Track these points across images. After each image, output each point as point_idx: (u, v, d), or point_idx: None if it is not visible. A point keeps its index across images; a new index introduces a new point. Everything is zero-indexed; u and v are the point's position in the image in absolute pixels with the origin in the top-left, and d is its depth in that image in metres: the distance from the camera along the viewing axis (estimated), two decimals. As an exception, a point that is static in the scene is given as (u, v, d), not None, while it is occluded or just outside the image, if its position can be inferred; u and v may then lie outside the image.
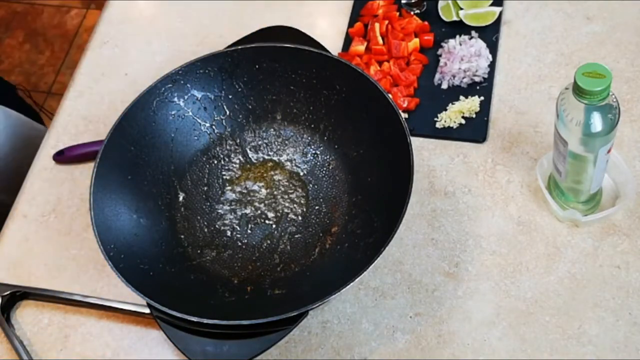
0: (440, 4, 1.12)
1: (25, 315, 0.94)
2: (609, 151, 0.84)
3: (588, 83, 0.77)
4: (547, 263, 0.91)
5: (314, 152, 1.01)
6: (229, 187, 1.00)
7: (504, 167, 0.99)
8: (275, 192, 0.98)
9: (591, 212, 0.93)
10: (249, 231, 0.96)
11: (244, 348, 0.82)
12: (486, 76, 1.05)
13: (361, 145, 0.97)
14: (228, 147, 1.02)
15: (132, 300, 0.90)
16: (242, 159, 1.02)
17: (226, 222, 0.97)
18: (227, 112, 1.02)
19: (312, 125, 1.01)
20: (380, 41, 1.09)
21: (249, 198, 0.99)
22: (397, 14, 1.11)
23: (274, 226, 0.96)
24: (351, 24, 1.13)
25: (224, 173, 1.01)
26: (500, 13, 1.11)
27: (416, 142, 0.98)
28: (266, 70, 1.00)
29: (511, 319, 0.88)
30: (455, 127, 1.02)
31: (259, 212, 0.97)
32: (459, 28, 1.10)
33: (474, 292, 0.90)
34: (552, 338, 0.86)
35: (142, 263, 0.89)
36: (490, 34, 1.09)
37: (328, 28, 1.18)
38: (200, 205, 0.98)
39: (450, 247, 0.93)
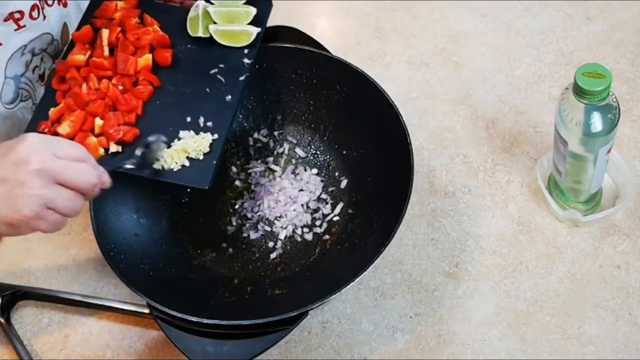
0: (190, 14, 0.92)
1: (25, 315, 0.94)
2: (609, 151, 0.84)
3: (588, 83, 0.77)
4: (547, 263, 0.91)
5: (314, 152, 1.01)
6: (229, 187, 1.00)
7: (504, 167, 0.99)
8: (275, 192, 0.98)
9: (591, 212, 0.93)
10: (249, 231, 0.96)
11: (244, 348, 0.82)
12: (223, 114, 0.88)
13: (361, 145, 0.97)
14: (228, 147, 1.02)
15: (132, 300, 0.90)
16: (242, 158, 1.02)
17: (226, 222, 0.97)
18: (227, 112, 1.02)
19: (312, 125, 1.01)
20: (107, 52, 0.91)
21: (249, 198, 0.99)
22: (137, 20, 0.92)
23: (274, 226, 0.96)
24: (80, 25, 0.93)
25: (224, 173, 1.01)
26: (259, 35, 0.92)
27: (416, 142, 0.98)
28: (266, 70, 1.00)
29: (511, 319, 0.88)
30: (175, 169, 0.85)
31: (259, 212, 0.97)
32: (207, 46, 0.91)
33: (474, 292, 0.90)
34: (552, 338, 0.86)
35: (142, 263, 0.89)
36: (239, 58, 0.91)
37: (328, 28, 1.18)
38: (201, 205, 0.98)
39: (450, 247, 0.93)
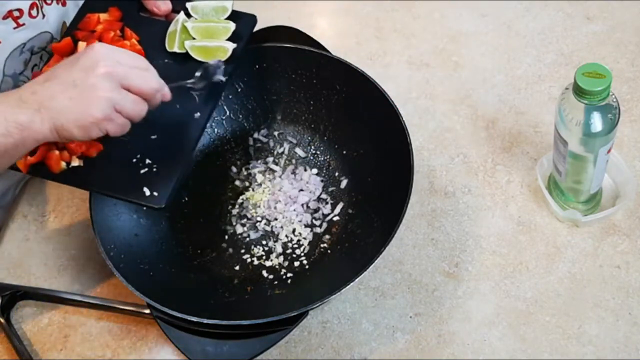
0: (170, 28, 0.91)
1: (25, 315, 0.94)
2: (609, 151, 0.84)
3: (588, 83, 0.77)
4: (547, 263, 0.91)
5: (314, 152, 1.01)
6: (229, 187, 1.00)
7: (504, 167, 0.99)
8: (275, 192, 0.98)
9: (591, 212, 0.93)
10: (249, 231, 0.96)
11: (244, 348, 0.82)
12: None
13: (361, 145, 0.97)
14: (228, 147, 1.02)
15: (132, 300, 0.90)
16: (242, 158, 1.02)
17: (226, 222, 0.97)
18: (227, 112, 1.02)
19: (312, 125, 1.01)
20: None
21: (248, 198, 0.99)
22: (118, 33, 0.91)
23: (274, 226, 0.96)
24: (62, 37, 0.93)
25: (224, 173, 1.01)
26: (235, 51, 0.89)
27: (416, 142, 0.98)
28: (266, 70, 1.00)
29: (511, 319, 0.88)
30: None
31: (259, 212, 0.97)
32: (184, 62, 0.90)
33: (474, 292, 0.90)
34: (552, 338, 0.86)
35: (142, 263, 0.89)
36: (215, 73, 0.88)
37: (328, 28, 1.18)
38: (201, 205, 0.98)
39: (450, 247, 0.93)
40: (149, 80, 0.79)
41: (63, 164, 0.85)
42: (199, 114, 0.87)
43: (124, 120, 0.78)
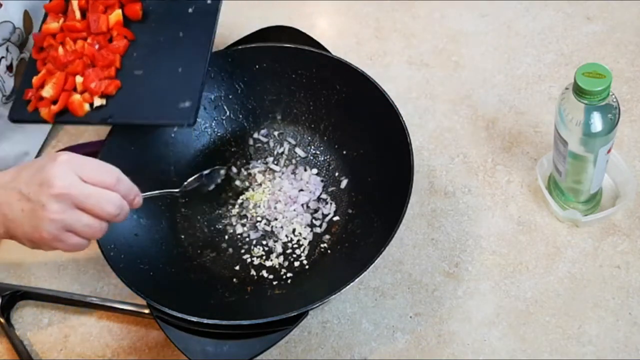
0: None
1: (25, 315, 0.94)
2: (609, 151, 0.84)
3: (588, 83, 0.77)
4: (547, 263, 0.91)
5: (314, 152, 1.01)
6: (229, 187, 1.00)
7: (504, 167, 0.99)
8: (275, 192, 0.98)
9: (591, 212, 0.93)
10: (249, 231, 0.96)
11: (244, 348, 0.82)
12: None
13: (361, 145, 0.97)
14: (228, 147, 1.02)
15: (132, 300, 0.90)
16: (242, 158, 1.02)
17: (226, 222, 0.97)
18: (227, 112, 1.02)
19: (312, 125, 1.01)
20: (79, 16, 0.93)
21: (248, 198, 0.99)
22: None
23: (274, 226, 0.96)
24: None
25: (224, 173, 1.01)
26: None
27: (416, 142, 0.98)
28: (266, 70, 1.00)
29: (511, 319, 0.88)
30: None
31: (259, 212, 0.97)
32: None
33: (474, 292, 0.90)
34: (552, 338, 0.86)
35: (142, 263, 0.89)
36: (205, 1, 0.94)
37: (328, 28, 1.18)
38: (201, 205, 0.98)
39: (450, 247, 0.93)
40: (108, 203, 0.74)
41: (86, 106, 0.88)
42: (203, 37, 0.92)
43: (77, 240, 0.74)
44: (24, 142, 1.04)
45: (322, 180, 0.99)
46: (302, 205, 0.97)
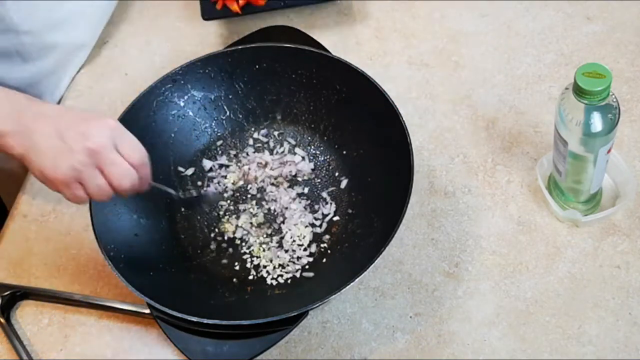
0: None
1: (25, 315, 0.94)
2: (609, 151, 0.84)
3: (588, 83, 0.77)
4: (547, 263, 0.91)
5: (314, 152, 1.01)
6: (229, 187, 1.00)
7: (504, 167, 0.99)
8: (275, 192, 0.98)
9: (591, 212, 0.93)
10: (249, 231, 0.96)
11: (244, 348, 0.82)
12: None
13: (361, 145, 0.97)
14: (228, 147, 1.02)
15: (132, 300, 0.90)
16: (242, 159, 1.02)
17: (226, 222, 0.97)
18: (227, 112, 1.02)
19: (312, 125, 1.01)
20: None
21: (249, 198, 0.99)
22: None
23: (274, 226, 0.96)
24: None
25: (224, 173, 1.01)
26: None
27: (416, 142, 0.98)
28: (266, 70, 1.00)
29: (511, 319, 0.88)
30: None
31: (259, 212, 0.97)
32: None
33: (474, 292, 0.90)
34: (552, 338, 0.86)
35: (142, 263, 0.89)
36: None
37: (328, 28, 1.18)
38: (201, 205, 0.98)
39: (450, 247, 0.93)
40: (126, 177, 0.79)
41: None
42: None
43: (82, 194, 0.79)
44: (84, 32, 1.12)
45: (312, 169, 0.99)
46: (302, 205, 0.97)
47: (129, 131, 0.94)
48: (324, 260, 0.92)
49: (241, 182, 1.00)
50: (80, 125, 0.78)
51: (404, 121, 0.90)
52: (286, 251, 0.94)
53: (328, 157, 1.00)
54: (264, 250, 0.94)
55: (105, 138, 0.78)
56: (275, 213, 0.97)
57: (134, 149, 0.81)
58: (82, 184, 0.78)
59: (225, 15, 1.09)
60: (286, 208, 0.97)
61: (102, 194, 0.80)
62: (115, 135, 0.79)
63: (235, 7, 1.07)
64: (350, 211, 0.95)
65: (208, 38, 1.16)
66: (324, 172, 0.99)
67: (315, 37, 1.02)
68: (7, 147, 0.78)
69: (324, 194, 0.98)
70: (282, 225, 0.96)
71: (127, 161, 0.79)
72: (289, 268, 0.92)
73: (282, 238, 0.95)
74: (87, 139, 0.77)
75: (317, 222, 0.96)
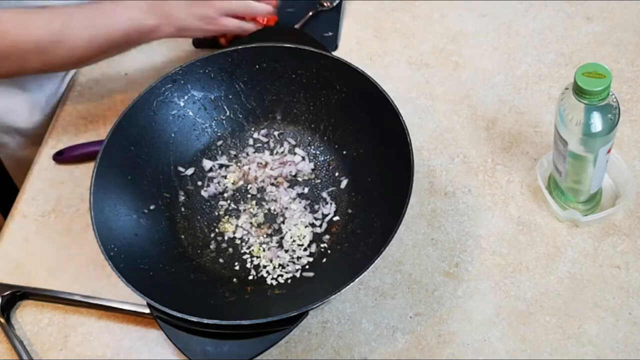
0: None
1: (25, 315, 0.94)
2: (609, 151, 0.84)
3: (588, 83, 0.77)
4: (547, 263, 0.91)
5: (314, 152, 1.01)
6: (229, 187, 1.00)
7: (504, 167, 0.99)
8: (275, 192, 0.98)
9: (591, 212, 0.93)
10: (249, 231, 0.96)
11: (244, 348, 0.82)
12: None
13: (361, 145, 0.97)
14: (228, 147, 1.02)
15: (132, 300, 0.90)
16: (242, 159, 1.02)
17: (226, 222, 0.97)
18: (227, 112, 1.02)
19: (312, 125, 1.01)
20: None
21: (249, 198, 0.99)
22: None
23: (274, 226, 0.96)
24: None
25: (224, 173, 1.01)
26: None
27: (416, 142, 0.98)
28: (266, 70, 1.00)
29: (511, 319, 0.88)
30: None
31: (259, 212, 0.97)
32: None
33: (474, 292, 0.90)
34: (552, 338, 0.86)
35: (142, 263, 0.89)
36: None
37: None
38: (200, 205, 0.98)
39: (450, 247, 0.93)
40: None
41: None
42: None
43: (237, 22, 1.05)
44: None
45: (312, 169, 0.99)
46: (302, 205, 0.97)
47: (130, 134, 0.96)
48: (324, 260, 0.92)
49: (241, 182, 1.00)
50: None
51: (404, 121, 0.90)
52: (286, 251, 0.94)
53: (328, 157, 1.00)
54: (264, 250, 0.94)
55: None
56: (275, 213, 0.97)
57: None
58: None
59: (214, 46, 1.12)
60: (286, 208, 0.97)
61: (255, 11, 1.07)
62: None
63: (222, 41, 1.13)
64: (350, 211, 0.95)
65: (208, 38, 1.16)
66: (324, 172, 0.99)
67: (315, 37, 1.02)
68: (162, 35, 1.01)
69: (324, 194, 0.98)
70: (282, 225, 0.96)
71: None
72: (289, 268, 0.92)
73: (282, 238, 0.95)
74: None
75: (317, 222, 0.96)
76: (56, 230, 1.01)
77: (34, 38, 0.94)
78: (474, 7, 1.15)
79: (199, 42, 1.17)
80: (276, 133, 1.03)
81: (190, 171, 1.00)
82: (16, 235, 1.01)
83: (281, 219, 0.96)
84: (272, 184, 0.99)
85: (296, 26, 1.15)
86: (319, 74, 0.99)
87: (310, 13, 1.15)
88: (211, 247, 0.95)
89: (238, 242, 0.96)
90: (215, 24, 1.03)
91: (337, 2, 1.16)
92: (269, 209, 0.97)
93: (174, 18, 1.00)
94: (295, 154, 1.00)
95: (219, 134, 1.02)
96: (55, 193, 1.04)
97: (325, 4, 1.15)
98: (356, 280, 0.81)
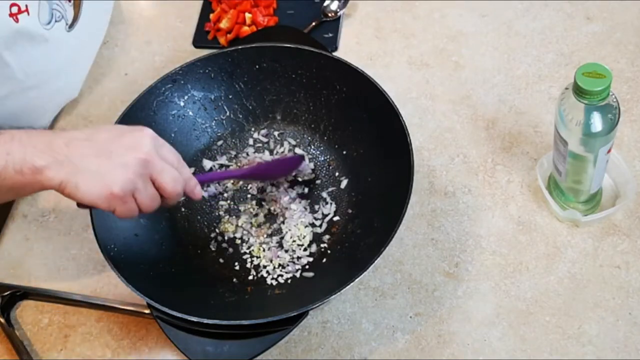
0: None
1: (25, 315, 0.94)
2: (609, 151, 0.84)
3: (588, 83, 0.77)
4: (547, 263, 0.91)
5: (314, 152, 1.01)
6: (229, 187, 1.00)
7: (504, 167, 0.99)
8: (275, 192, 0.98)
9: (591, 212, 0.93)
10: (249, 231, 0.96)
11: (244, 348, 0.82)
12: None
13: (361, 145, 0.97)
14: (228, 147, 1.02)
15: (132, 300, 0.90)
16: (242, 159, 1.02)
17: (226, 222, 0.97)
18: (227, 112, 1.02)
19: (312, 125, 1.01)
20: None
21: (249, 198, 0.99)
22: None
23: (274, 226, 0.96)
24: None
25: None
26: None
27: (416, 142, 0.98)
28: (266, 70, 1.00)
29: (511, 319, 0.88)
30: None
31: (259, 212, 0.97)
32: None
33: (474, 292, 0.90)
34: (552, 338, 0.86)
35: (142, 263, 0.89)
36: None
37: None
38: (200, 205, 0.98)
39: (450, 247, 0.93)
40: (177, 182, 0.80)
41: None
42: None
43: (134, 207, 0.78)
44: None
45: (312, 171, 0.99)
46: (302, 205, 0.97)
47: None
48: (324, 260, 0.92)
49: (241, 182, 1.00)
50: (122, 140, 0.78)
51: (404, 121, 0.90)
52: (286, 251, 0.94)
53: (328, 157, 1.00)
54: (264, 250, 0.94)
55: (151, 146, 0.78)
56: (276, 213, 0.97)
57: (172, 153, 0.81)
58: (134, 196, 0.77)
59: (214, 47, 1.13)
60: (286, 208, 0.97)
61: (153, 203, 0.79)
62: (156, 143, 0.79)
63: (222, 41, 1.14)
64: (350, 211, 0.95)
65: (208, 38, 1.16)
66: (324, 172, 0.99)
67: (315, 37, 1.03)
68: (46, 180, 0.76)
69: (324, 194, 0.98)
70: (282, 225, 0.96)
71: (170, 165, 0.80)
72: (289, 268, 0.92)
73: (282, 238, 0.95)
74: (136, 150, 0.77)
75: (317, 222, 0.96)
76: (56, 230, 1.01)
77: None
78: (474, 7, 1.15)
79: (199, 42, 1.16)
80: (276, 133, 1.03)
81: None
82: (16, 235, 1.01)
83: (281, 219, 0.96)
84: (272, 184, 0.99)
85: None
86: (319, 74, 0.99)
87: (314, 23, 1.14)
88: (211, 247, 0.95)
89: (238, 242, 0.96)
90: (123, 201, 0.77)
91: (341, 12, 1.15)
92: (269, 209, 0.98)
93: (76, 167, 0.76)
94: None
95: (219, 134, 1.02)
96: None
97: (329, 15, 1.14)
98: (356, 280, 0.81)
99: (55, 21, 1.00)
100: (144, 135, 0.79)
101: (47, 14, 0.98)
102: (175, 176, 0.80)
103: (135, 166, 0.76)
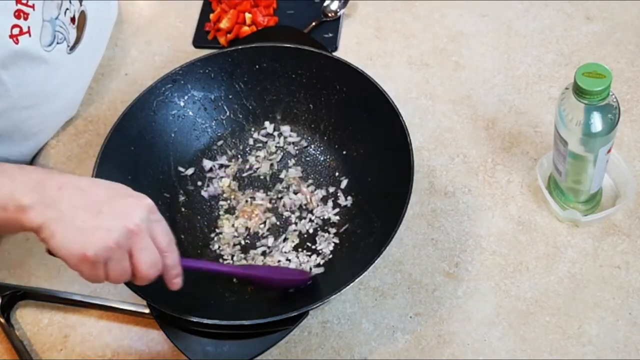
0: None
1: (25, 315, 0.94)
2: (609, 151, 0.84)
3: (588, 83, 0.77)
4: (547, 263, 0.91)
5: (314, 152, 1.01)
6: (229, 187, 1.00)
7: (504, 167, 0.99)
8: (275, 192, 0.98)
9: (591, 212, 0.93)
10: (249, 231, 0.96)
11: (244, 348, 0.82)
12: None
13: (361, 145, 0.97)
14: (228, 147, 1.02)
15: (132, 300, 0.90)
16: (242, 159, 1.02)
17: (226, 222, 0.97)
18: (227, 112, 1.02)
19: (312, 125, 1.01)
20: None
21: (249, 198, 0.99)
22: None
23: (274, 226, 0.96)
24: None
25: (224, 173, 1.01)
26: None
27: (416, 142, 0.98)
28: (266, 70, 1.00)
29: (511, 319, 0.88)
30: None
31: (259, 212, 0.97)
32: None
33: (474, 292, 0.90)
34: (552, 338, 0.86)
35: (142, 263, 0.89)
36: None
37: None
38: (200, 205, 0.98)
39: (450, 247, 0.93)
40: (153, 267, 0.74)
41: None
42: None
43: (102, 275, 0.73)
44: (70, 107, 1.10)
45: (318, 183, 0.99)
46: (302, 205, 0.97)
47: (130, 134, 0.95)
48: (324, 260, 0.92)
49: (241, 183, 1.00)
50: (117, 202, 0.73)
51: (404, 121, 0.90)
52: (286, 251, 0.94)
53: (328, 157, 1.00)
54: (264, 250, 0.94)
55: (144, 220, 0.72)
56: (276, 213, 0.97)
57: (165, 234, 0.76)
58: (105, 264, 0.72)
59: (214, 47, 1.13)
60: (286, 207, 0.97)
61: (121, 278, 0.74)
62: (151, 217, 0.74)
63: (222, 41, 1.15)
64: (350, 211, 0.95)
65: (208, 38, 1.16)
66: (324, 172, 0.99)
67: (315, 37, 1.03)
68: (27, 220, 0.71)
69: (324, 194, 0.97)
70: (282, 225, 0.96)
71: (156, 246, 0.74)
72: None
73: (281, 238, 0.95)
74: (126, 218, 0.71)
75: (317, 222, 0.96)
76: (56, 230, 1.01)
77: None
78: (474, 7, 1.15)
79: (199, 42, 1.16)
80: (276, 133, 1.03)
81: (190, 171, 1.00)
82: (16, 235, 1.01)
83: (281, 218, 0.96)
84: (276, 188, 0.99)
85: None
86: (319, 74, 0.99)
87: (314, 23, 1.14)
88: (211, 247, 0.95)
89: (238, 241, 0.95)
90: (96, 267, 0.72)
91: (341, 12, 1.15)
92: (269, 209, 0.97)
93: (60, 215, 0.71)
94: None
95: (219, 134, 1.02)
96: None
97: (329, 15, 1.14)
98: (356, 280, 0.81)
99: (57, 43, 0.99)
100: (140, 205, 0.73)
101: (50, 35, 0.97)
102: (155, 260, 0.74)
103: (119, 235, 0.70)
